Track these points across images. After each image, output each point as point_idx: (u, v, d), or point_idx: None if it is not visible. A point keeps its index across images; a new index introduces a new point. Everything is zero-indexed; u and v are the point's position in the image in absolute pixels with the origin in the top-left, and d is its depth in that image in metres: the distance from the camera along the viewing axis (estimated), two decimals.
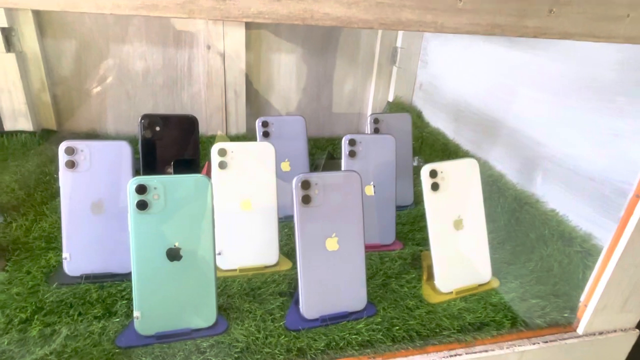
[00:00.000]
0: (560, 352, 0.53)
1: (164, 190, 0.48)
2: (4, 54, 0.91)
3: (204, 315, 0.51)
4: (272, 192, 0.63)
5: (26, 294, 0.53)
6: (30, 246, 0.62)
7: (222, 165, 0.60)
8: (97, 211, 0.57)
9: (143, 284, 0.48)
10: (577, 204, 0.64)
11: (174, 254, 0.49)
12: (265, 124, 0.77)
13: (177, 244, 0.49)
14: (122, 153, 0.58)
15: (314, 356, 0.48)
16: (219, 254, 0.60)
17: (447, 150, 0.94)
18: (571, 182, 0.65)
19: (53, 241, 0.64)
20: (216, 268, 0.51)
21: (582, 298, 0.55)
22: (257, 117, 1.16)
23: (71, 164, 0.56)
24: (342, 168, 0.69)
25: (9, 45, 0.91)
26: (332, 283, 0.54)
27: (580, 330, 0.54)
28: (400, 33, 1.11)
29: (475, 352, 0.50)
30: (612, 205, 0.59)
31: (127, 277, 0.58)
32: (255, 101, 1.14)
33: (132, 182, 0.47)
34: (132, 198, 0.47)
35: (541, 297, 0.58)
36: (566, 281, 0.60)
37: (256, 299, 0.56)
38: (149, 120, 0.69)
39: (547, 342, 0.53)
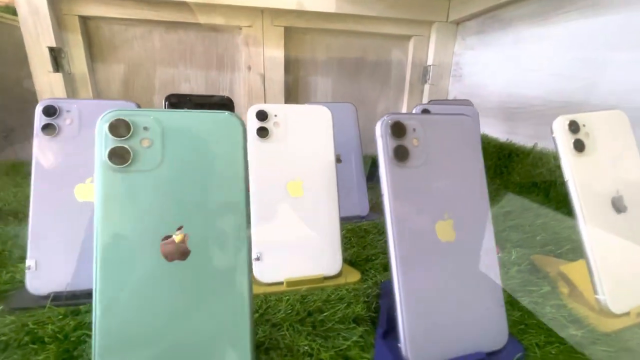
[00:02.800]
0: None
1: (160, 134, 0.21)
2: (52, 74, 0.70)
3: None
4: (331, 171, 0.34)
5: None
6: (2, 256, 0.35)
7: (263, 133, 0.33)
8: (86, 197, 0.30)
9: (111, 303, 0.19)
10: None
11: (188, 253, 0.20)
12: None
13: (179, 231, 0.20)
14: None
15: None
16: (257, 258, 0.31)
17: (505, 150, 0.65)
18: None
19: None
20: (251, 283, 0.22)
21: None
22: None
23: (50, 129, 0.30)
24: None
25: (58, 66, 0.70)
26: (452, 299, 0.23)
27: None
28: (431, 52, 0.87)
29: None
30: None
31: None
32: None
33: (105, 119, 0.20)
34: (104, 144, 0.20)
35: None
36: None
37: (318, 330, 0.26)
38: (176, 102, 0.44)
39: None
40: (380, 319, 0.27)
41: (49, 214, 0.29)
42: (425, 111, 0.40)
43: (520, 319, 0.27)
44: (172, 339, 0.20)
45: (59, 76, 0.70)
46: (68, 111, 0.30)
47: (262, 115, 0.33)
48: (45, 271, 0.29)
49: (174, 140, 0.21)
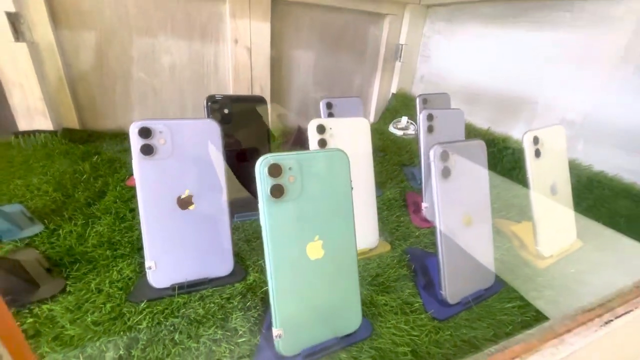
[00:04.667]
0: None
1: (300, 170, 0.28)
2: (13, 44, 0.61)
3: (350, 318, 0.32)
4: (369, 168, 0.44)
5: (106, 321, 0.31)
6: (91, 256, 0.39)
7: (322, 144, 0.41)
8: (187, 206, 0.35)
9: (282, 291, 0.28)
10: (630, 164, 0.53)
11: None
12: (329, 105, 0.57)
13: (317, 237, 0.30)
14: (211, 133, 0.36)
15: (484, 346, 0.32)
16: None
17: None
18: (622, 144, 0.54)
19: (118, 247, 0.40)
20: (357, 265, 0.32)
21: None
22: (279, 110, 0.96)
23: (148, 150, 0.34)
24: (422, 144, 0.52)
25: (18, 34, 0.62)
26: (468, 261, 0.38)
27: None
28: (404, 31, 0.96)
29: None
30: None
31: (226, 280, 0.37)
32: (276, 94, 0.92)
33: (264, 163, 0.27)
34: (265, 183, 0.27)
35: (633, 253, 0.46)
36: None
37: (381, 288, 0.38)
38: (216, 104, 0.47)
39: None
40: (417, 276, 0.40)
41: (157, 222, 0.34)
42: (430, 116, 0.51)
43: (497, 265, 0.43)
44: (317, 303, 0.30)
45: (22, 46, 0.62)
46: (161, 132, 0.34)
47: (321, 129, 0.41)
48: (162, 268, 0.35)
49: (307, 174, 0.29)
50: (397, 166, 0.73)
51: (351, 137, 0.43)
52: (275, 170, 0.27)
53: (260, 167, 0.27)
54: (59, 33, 0.67)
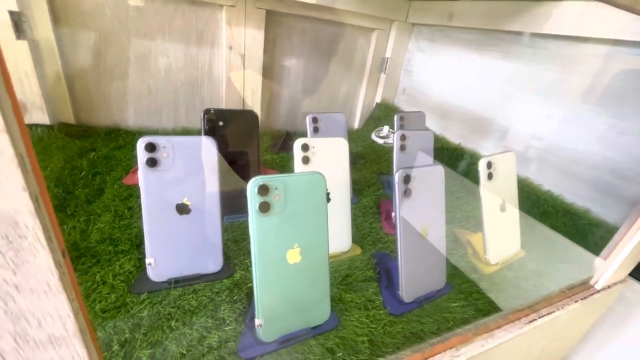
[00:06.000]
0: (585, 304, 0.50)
1: (284, 190, 0.34)
2: (14, 41, 0.63)
3: (320, 312, 0.38)
4: (346, 181, 0.50)
5: (112, 309, 0.36)
6: (95, 251, 0.43)
7: (305, 160, 0.46)
8: (183, 211, 0.40)
9: (264, 289, 0.34)
10: (572, 186, 0.62)
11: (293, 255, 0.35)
12: (315, 120, 0.63)
13: (296, 245, 0.35)
14: (207, 149, 0.41)
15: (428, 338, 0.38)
16: None
17: (438, 143, 0.88)
18: (568, 169, 0.62)
19: (119, 243, 0.45)
20: (329, 267, 0.38)
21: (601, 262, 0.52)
22: (268, 114, 1.01)
23: (152, 162, 0.38)
24: (395, 162, 0.58)
25: (19, 32, 0.64)
26: (423, 266, 0.44)
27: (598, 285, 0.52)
28: (390, 46, 1.01)
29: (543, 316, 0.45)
30: (611, 185, 0.56)
31: (216, 276, 0.42)
32: (267, 99, 0.96)
33: (254, 184, 0.32)
34: (255, 200, 0.33)
35: (565, 263, 0.54)
36: (589, 248, 0.56)
37: (350, 287, 0.44)
38: (212, 115, 0.52)
39: (578, 300, 0.49)
40: (381, 277, 0.47)
41: (158, 225, 0.39)
42: (403, 136, 0.57)
43: (450, 270, 0.50)
44: (293, 299, 0.36)
45: (23, 44, 0.64)
46: (164, 147, 0.39)
47: (305, 147, 0.46)
48: (161, 265, 0.40)
49: (290, 193, 0.34)
50: (375, 174, 0.79)
51: (331, 154, 0.48)
52: (263, 190, 0.33)
53: (251, 187, 0.32)
54: (59, 31, 0.69)
